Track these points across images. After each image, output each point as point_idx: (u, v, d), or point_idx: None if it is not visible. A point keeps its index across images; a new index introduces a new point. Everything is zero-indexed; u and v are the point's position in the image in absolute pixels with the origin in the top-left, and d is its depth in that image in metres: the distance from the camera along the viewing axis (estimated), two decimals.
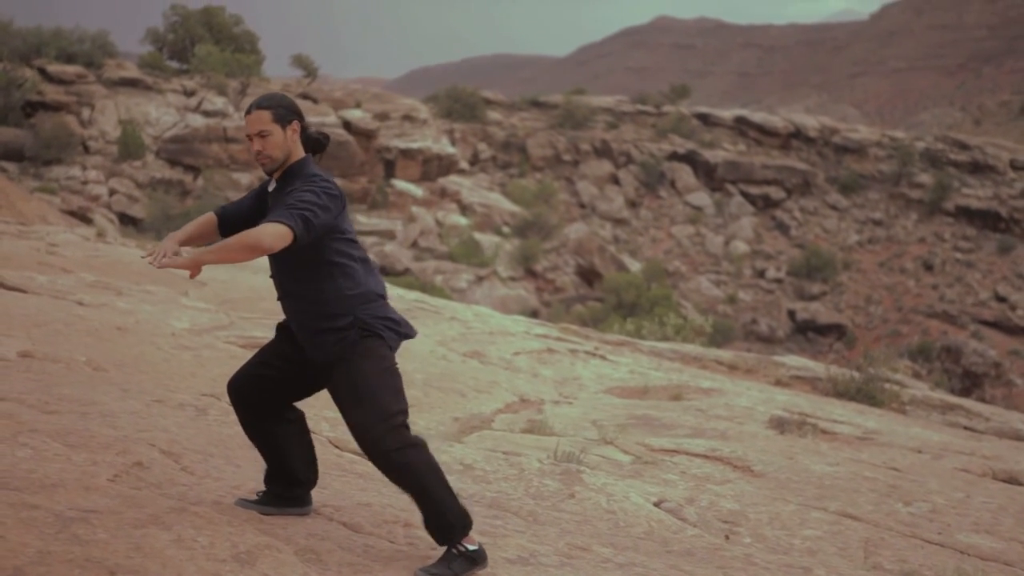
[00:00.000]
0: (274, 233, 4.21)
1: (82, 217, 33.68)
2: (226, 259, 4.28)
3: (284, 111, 4.52)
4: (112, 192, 39.87)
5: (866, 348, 51.67)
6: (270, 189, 4.65)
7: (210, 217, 4.74)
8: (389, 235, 44.85)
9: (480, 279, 41.40)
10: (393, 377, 4.46)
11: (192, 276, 4.42)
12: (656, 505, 5.87)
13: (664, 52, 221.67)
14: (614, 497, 5.78)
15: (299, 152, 4.55)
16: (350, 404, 4.42)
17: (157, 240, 27.75)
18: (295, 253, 4.39)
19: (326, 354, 4.47)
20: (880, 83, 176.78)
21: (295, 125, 4.52)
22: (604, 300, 42.23)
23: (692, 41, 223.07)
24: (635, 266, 49.78)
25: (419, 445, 4.41)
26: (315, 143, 4.61)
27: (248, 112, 4.54)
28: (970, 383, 43.48)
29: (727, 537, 5.63)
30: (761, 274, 59.14)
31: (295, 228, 4.24)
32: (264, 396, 4.70)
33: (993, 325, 56.76)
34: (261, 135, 4.49)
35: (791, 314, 55.03)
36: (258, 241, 4.21)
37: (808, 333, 54.48)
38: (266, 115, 4.50)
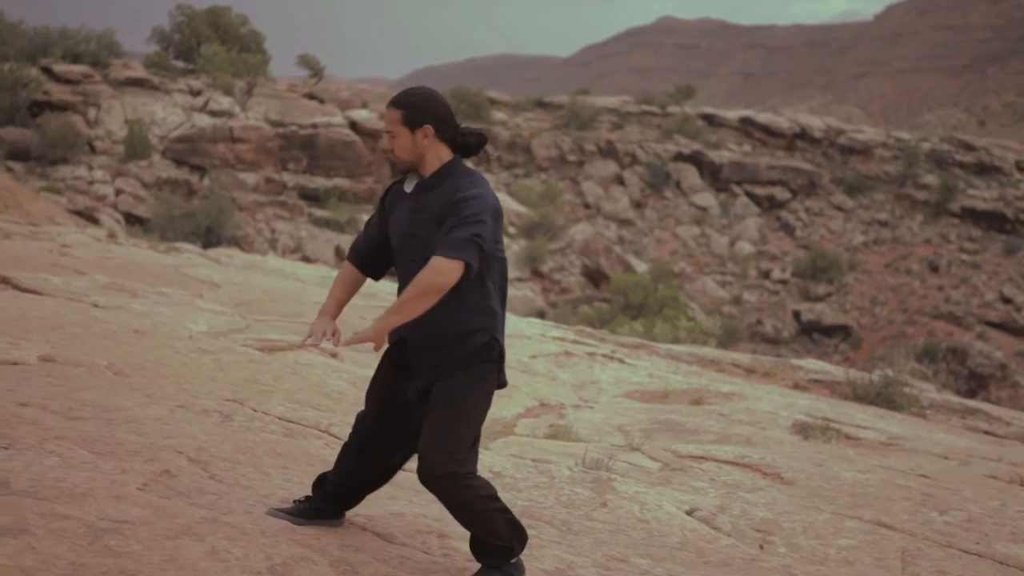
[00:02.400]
0: (448, 271, 4.00)
1: (88, 217, 33.65)
2: (412, 315, 4.07)
3: (415, 113, 4.20)
4: (118, 192, 39.82)
5: (871, 349, 51.65)
6: (407, 189, 4.33)
7: (350, 271, 4.44)
8: None
9: None
10: (484, 412, 4.26)
11: (378, 348, 4.19)
12: (689, 514, 5.79)
13: (668, 53, 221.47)
14: (647, 506, 5.70)
15: (441, 155, 4.23)
16: (434, 421, 4.20)
17: (163, 240, 27.66)
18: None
19: (440, 372, 4.23)
20: (884, 84, 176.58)
21: (426, 130, 4.19)
22: (611, 301, 42.11)
23: (696, 42, 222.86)
24: (641, 267, 49.68)
25: (474, 487, 4.18)
26: (464, 147, 4.26)
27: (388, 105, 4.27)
28: (976, 384, 43.38)
29: (761, 547, 5.54)
30: (766, 275, 59.03)
31: (471, 261, 4.03)
32: (381, 430, 4.50)
33: (999, 326, 56.62)
34: (390, 134, 4.23)
35: (796, 315, 54.93)
36: (438, 287, 4.02)
37: (813, 334, 54.37)
38: (396, 115, 4.20)
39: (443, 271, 4.01)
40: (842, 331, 54.68)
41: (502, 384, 4.32)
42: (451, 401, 4.18)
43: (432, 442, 4.15)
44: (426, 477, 4.18)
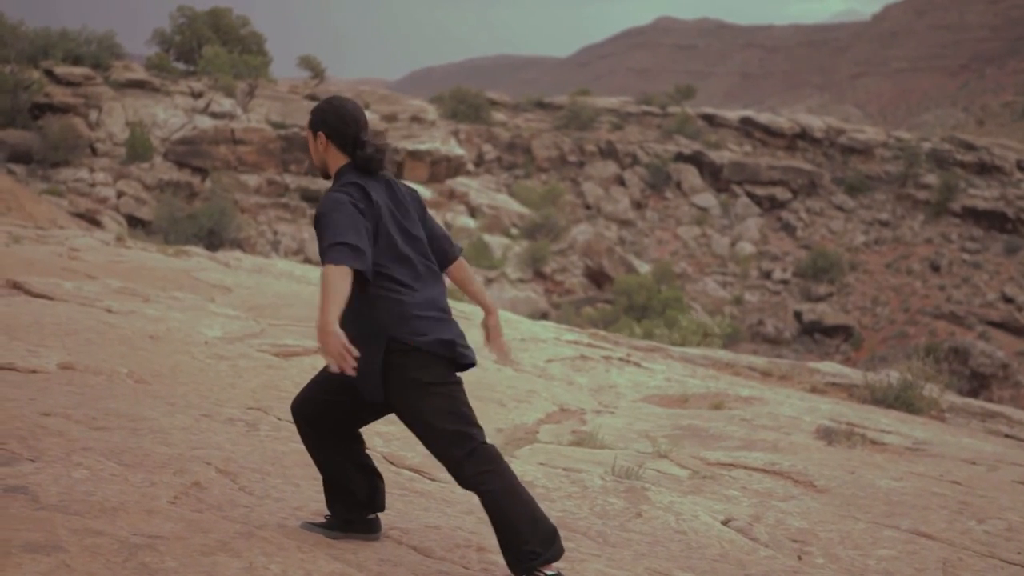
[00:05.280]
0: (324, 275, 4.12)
1: (91, 220, 33.52)
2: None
3: (314, 119, 4.44)
4: (120, 194, 39.68)
5: (873, 350, 51.54)
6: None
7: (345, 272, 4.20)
8: None
9: (489, 281, 41.20)
10: (445, 399, 4.26)
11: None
12: (725, 524, 5.68)
13: (666, 53, 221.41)
14: (682, 516, 5.60)
15: (337, 163, 4.41)
16: (418, 436, 4.34)
17: (166, 243, 27.52)
18: None
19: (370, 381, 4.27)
20: (882, 84, 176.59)
21: (320, 136, 4.39)
22: (614, 302, 42.01)
23: (694, 42, 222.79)
24: (643, 268, 49.59)
25: (496, 471, 4.24)
26: (358, 159, 4.37)
27: None
28: (978, 384, 43.26)
29: (800, 557, 5.44)
30: (767, 275, 58.96)
31: (350, 264, 4.09)
32: (332, 419, 4.52)
33: (1000, 326, 56.58)
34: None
35: (797, 315, 54.86)
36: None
37: (815, 334, 54.30)
38: (308, 120, 4.50)
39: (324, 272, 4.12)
40: (843, 331, 54.62)
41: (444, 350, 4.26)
42: (409, 419, 4.30)
43: (436, 456, 4.32)
44: (458, 479, 4.29)
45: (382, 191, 4.38)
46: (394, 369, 4.23)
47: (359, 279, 4.16)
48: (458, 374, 4.38)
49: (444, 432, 4.23)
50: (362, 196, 4.27)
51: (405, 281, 4.30)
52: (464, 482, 4.26)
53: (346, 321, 4.16)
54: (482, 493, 4.23)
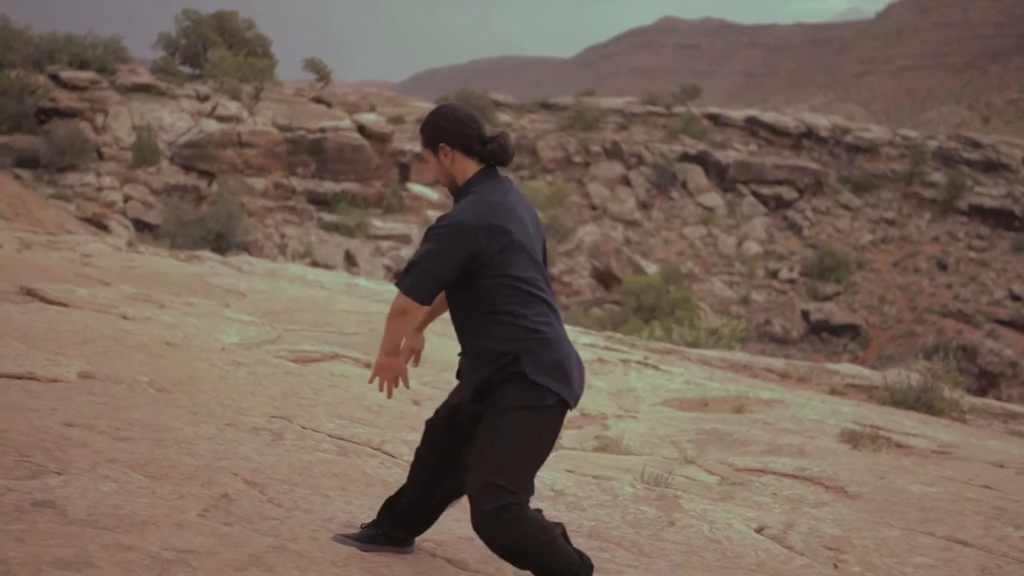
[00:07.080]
0: (396, 299, 4.08)
1: (98, 224, 33.50)
2: (387, 335, 4.13)
3: (429, 134, 4.17)
4: (127, 198, 39.67)
5: (881, 348, 51.44)
6: None
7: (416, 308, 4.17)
8: (404, 239, 44.63)
9: None
10: (532, 449, 4.06)
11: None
12: (758, 532, 5.60)
13: (669, 53, 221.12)
14: (716, 524, 5.51)
15: (467, 171, 4.14)
16: (479, 455, 4.10)
17: (174, 247, 27.48)
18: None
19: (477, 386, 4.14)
20: (886, 82, 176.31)
21: (444, 148, 4.12)
22: (623, 303, 41.92)
23: (697, 41, 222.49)
24: (650, 268, 49.49)
25: (513, 532, 4.03)
26: (489, 155, 4.13)
27: None
28: (987, 383, 43.11)
29: (836, 566, 5.36)
30: (774, 275, 58.86)
31: (403, 289, 4.02)
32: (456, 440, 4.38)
33: (1008, 324, 56.47)
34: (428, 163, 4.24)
35: (805, 315, 54.78)
36: (392, 311, 4.11)
37: (822, 333, 54.23)
38: (422, 140, 4.22)
39: (394, 300, 4.10)
40: (851, 330, 54.55)
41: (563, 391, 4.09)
42: (489, 437, 4.07)
43: (473, 483, 4.09)
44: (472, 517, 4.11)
45: (514, 201, 4.14)
46: (515, 390, 4.06)
47: (500, 291, 4.09)
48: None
49: (500, 473, 4.00)
50: (495, 213, 4.04)
51: (549, 302, 4.20)
52: (475, 520, 4.10)
53: (473, 331, 4.14)
54: (487, 535, 4.10)
